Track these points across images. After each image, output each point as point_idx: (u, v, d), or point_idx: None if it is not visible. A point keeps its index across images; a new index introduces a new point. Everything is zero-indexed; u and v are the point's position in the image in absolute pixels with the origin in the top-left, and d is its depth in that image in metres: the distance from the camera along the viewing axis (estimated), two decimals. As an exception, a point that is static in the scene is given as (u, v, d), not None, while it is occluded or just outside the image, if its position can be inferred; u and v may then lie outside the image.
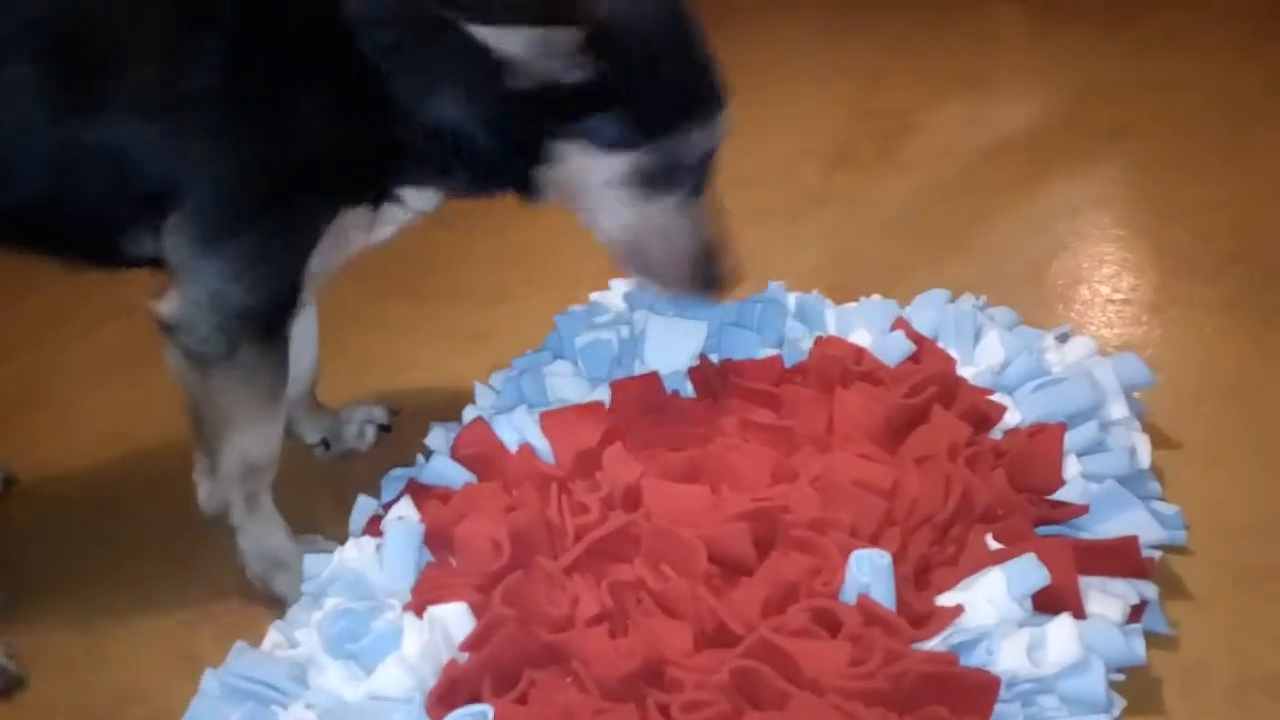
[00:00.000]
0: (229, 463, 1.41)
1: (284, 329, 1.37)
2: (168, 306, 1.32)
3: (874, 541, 1.24)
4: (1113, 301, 1.79)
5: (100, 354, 2.07)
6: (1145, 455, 1.40)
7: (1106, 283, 1.83)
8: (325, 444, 1.72)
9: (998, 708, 1.08)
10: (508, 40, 1.21)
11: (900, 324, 1.58)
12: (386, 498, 1.51)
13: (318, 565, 1.40)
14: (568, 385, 1.59)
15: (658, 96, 1.30)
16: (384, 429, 1.73)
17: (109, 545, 1.65)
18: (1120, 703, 1.15)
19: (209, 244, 1.30)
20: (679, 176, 1.35)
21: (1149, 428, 1.47)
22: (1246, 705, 1.18)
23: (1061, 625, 1.14)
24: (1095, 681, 1.12)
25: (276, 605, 1.44)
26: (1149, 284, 1.83)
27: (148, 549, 1.63)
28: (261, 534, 1.45)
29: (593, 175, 1.33)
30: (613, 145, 1.30)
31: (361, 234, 1.40)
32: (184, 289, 1.32)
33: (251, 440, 1.40)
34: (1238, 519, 1.38)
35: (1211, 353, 1.66)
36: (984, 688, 1.07)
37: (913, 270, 1.88)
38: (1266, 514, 1.38)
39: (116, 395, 1.95)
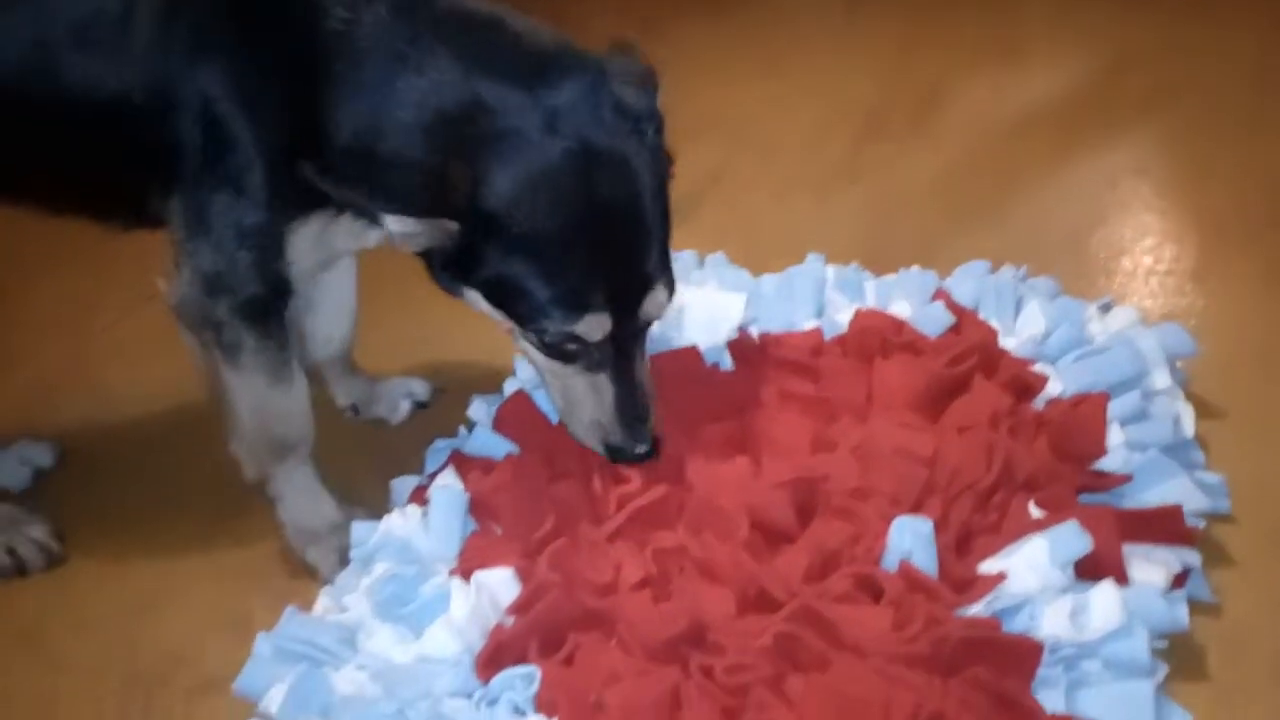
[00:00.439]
0: (255, 438, 1.43)
1: (278, 314, 1.37)
2: (169, 288, 1.35)
3: (915, 509, 1.25)
4: (1155, 273, 1.78)
5: (139, 335, 2.09)
6: (1189, 424, 1.40)
7: (1148, 253, 1.82)
8: (355, 409, 1.73)
9: (1040, 672, 1.09)
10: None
11: (940, 295, 1.58)
12: (431, 468, 1.54)
13: (365, 532, 1.42)
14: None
15: (523, 287, 1.24)
16: (421, 405, 1.74)
17: (158, 515, 1.68)
18: (1163, 669, 1.16)
19: (197, 226, 1.31)
20: (573, 351, 1.29)
21: (1192, 397, 1.47)
22: (1292, 675, 1.18)
23: (1104, 591, 1.15)
24: (1138, 647, 1.12)
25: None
26: (1190, 254, 1.82)
27: (196, 518, 1.66)
28: (296, 506, 1.47)
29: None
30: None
31: (349, 239, 1.37)
32: (181, 270, 1.34)
33: (268, 418, 1.42)
34: (1280, 486, 1.38)
35: (1253, 322, 1.66)
36: (1027, 652, 1.08)
37: (949, 242, 1.87)
38: (1311, 482, 1.38)
39: (157, 372, 1.97)
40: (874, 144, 2.26)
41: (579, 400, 1.34)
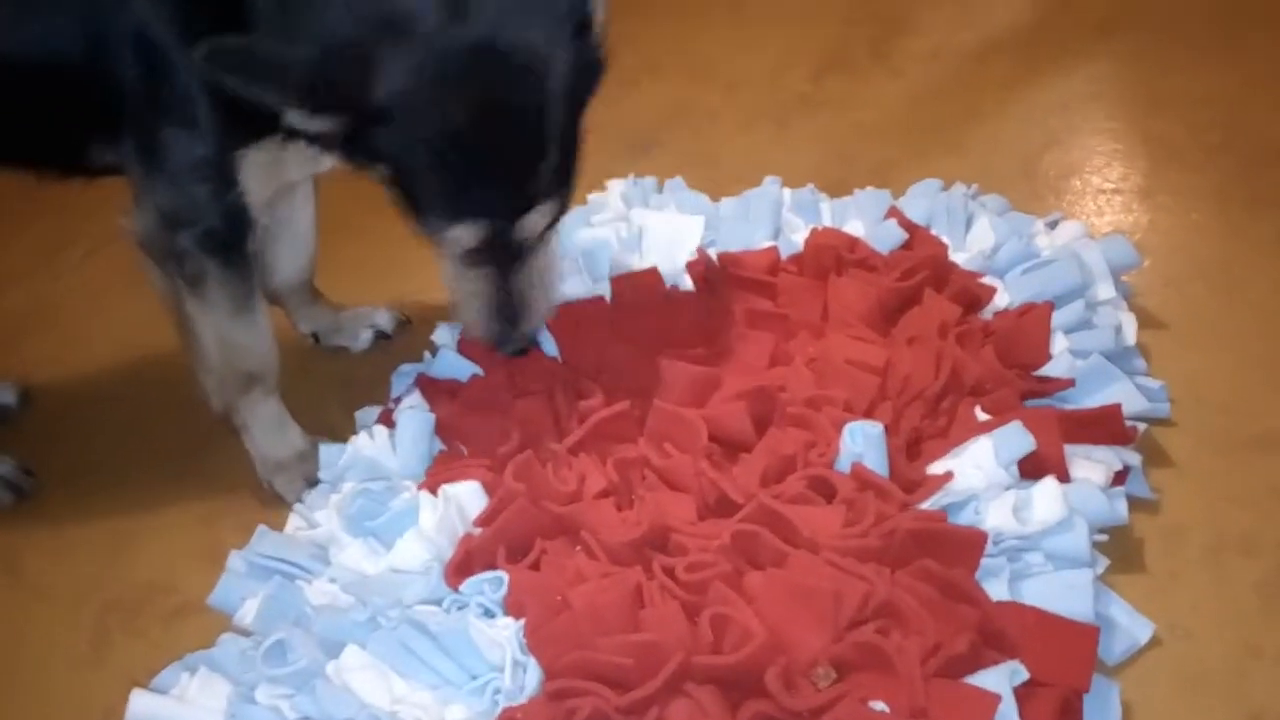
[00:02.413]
0: (220, 370, 1.45)
1: (241, 246, 1.36)
2: (130, 223, 1.35)
3: (868, 416, 1.29)
4: (1103, 191, 1.82)
5: (105, 273, 2.09)
6: (1131, 333, 1.45)
7: (1096, 173, 1.86)
8: (315, 337, 1.75)
9: (985, 562, 1.14)
10: (274, 105, 1.15)
11: (893, 213, 1.61)
12: (396, 392, 1.56)
13: (333, 454, 1.45)
14: (569, 282, 1.63)
15: (405, 185, 1.20)
16: (383, 335, 1.75)
17: (129, 451, 1.70)
18: (1103, 561, 1.21)
19: (150, 163, 1.30)
20: (459, 250, 1.26)
21: (1135, 309, 1.52)
22: (1222, 562, 1.24)
23: (1046, 487, 1.20)
24: (1079, 539, 1.18)
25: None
26: (1138, 174, 1.86)
27: (166, 450, 1.68)
28: (263, 436, 1.50)
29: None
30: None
31: (301, 165, 1.36)
32: (140, 207, 1.34)
33: (232, 350, 1.42)
34: (1218, 394, 1.43)
35: (1198, 239, 1.70)
36: (971, 542, 1.13)
37: (905, 168, 1.90)
38: (1245, 389, 1.43)
39: (125, 309, 1.98)
40: (835, 76, 2.28)
41: (465, 295, 1.34)
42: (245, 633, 1.27)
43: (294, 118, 1.15)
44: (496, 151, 1.16)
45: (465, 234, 1.21)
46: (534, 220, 1.22)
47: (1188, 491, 1.32)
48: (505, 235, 1.23)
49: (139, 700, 1.17)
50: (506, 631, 1.16)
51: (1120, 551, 1.24)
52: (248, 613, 1.27)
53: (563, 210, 1.26)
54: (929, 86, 2.20)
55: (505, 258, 1.27)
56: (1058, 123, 2.02)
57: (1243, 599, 1.21)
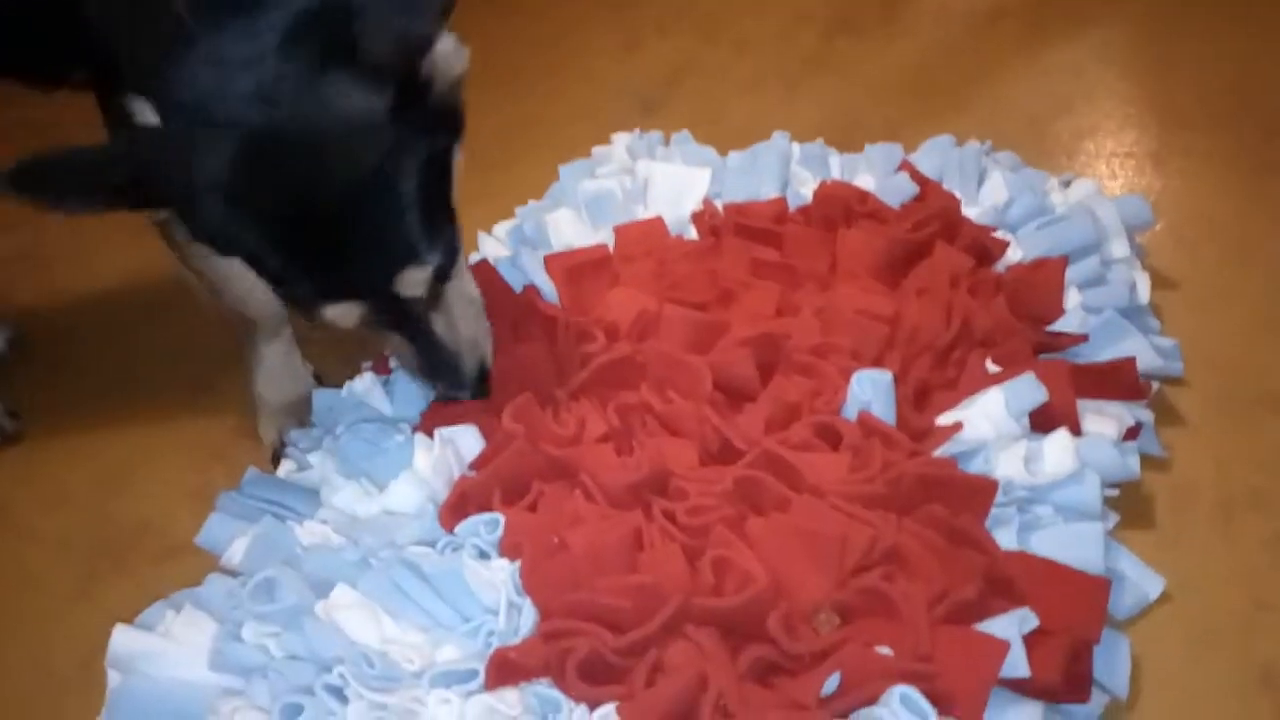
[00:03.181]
0: (222, 310, 1.42)
1: None
2: None
3: (875, 364, 1.26)
4: (1116, 155, 1.79)
5: (96, 221, 2.06)
6: (1145, 292, 1.42)
7: (1109, 136, 1.83)
8: None
9: (994, 511, 1.12)
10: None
11: (905, 167, 1.58)
12: (393, 338, 1.53)
13: (328, 398, 1.42)
14: (572, 231, 1.60)
15: (267, 272, 1.12)
16: None
17: (120, 394, 1.68)
18: (1113, 517, 1.19)
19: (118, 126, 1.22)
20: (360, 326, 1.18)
21: (1149, 269, 1.49)
22: (1232, 520, 1.22)
23: (1058, 438, 1.17)
24: (1090, 492, 1.15)
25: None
26: (1151, 138, 1.83)
27: (158, 395, 1.66)
28: (260, 379, 1.47)
29: None
30: None
31: None
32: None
33: (224, 293, 1.39)
34: (1230, 355, 1.41)
35: (1211, 203, 1.67)
36: (981, 489, 1.11)
37: (915, 127, 1.87)
38: (1257, 350, 1.41)
39: (116, 256, 1.95)
40: (844, 37, 2.25)
41: (395, 350, 1.28)
42: (233, 573, 1.24)
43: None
44: (329, 229, 1.05)
45: (339, 314, 1.13)
46: (409, 283, 1.12)
47: (1198, 450, 1.30)
48: (387, 305, 1.14)
49: (121, 636, 1.14)
50: (502, 573, 1.13)
51: (1130, 508, 1.22)
52: (236, 552, 1.24)
53: (447, 264, 1.15)
54: (939, 48, 2.17)
55: (406, 320, 1.19)
56: (1069, 86, 1.99)
57: (1253, 556, 1.18)
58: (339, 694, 1.05)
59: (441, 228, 1.13)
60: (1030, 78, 2.04)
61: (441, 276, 1.16)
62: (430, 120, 1.07)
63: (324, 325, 1.16)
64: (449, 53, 1.07)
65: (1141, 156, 1.78)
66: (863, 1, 2.33)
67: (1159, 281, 1.49)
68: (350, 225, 1.06)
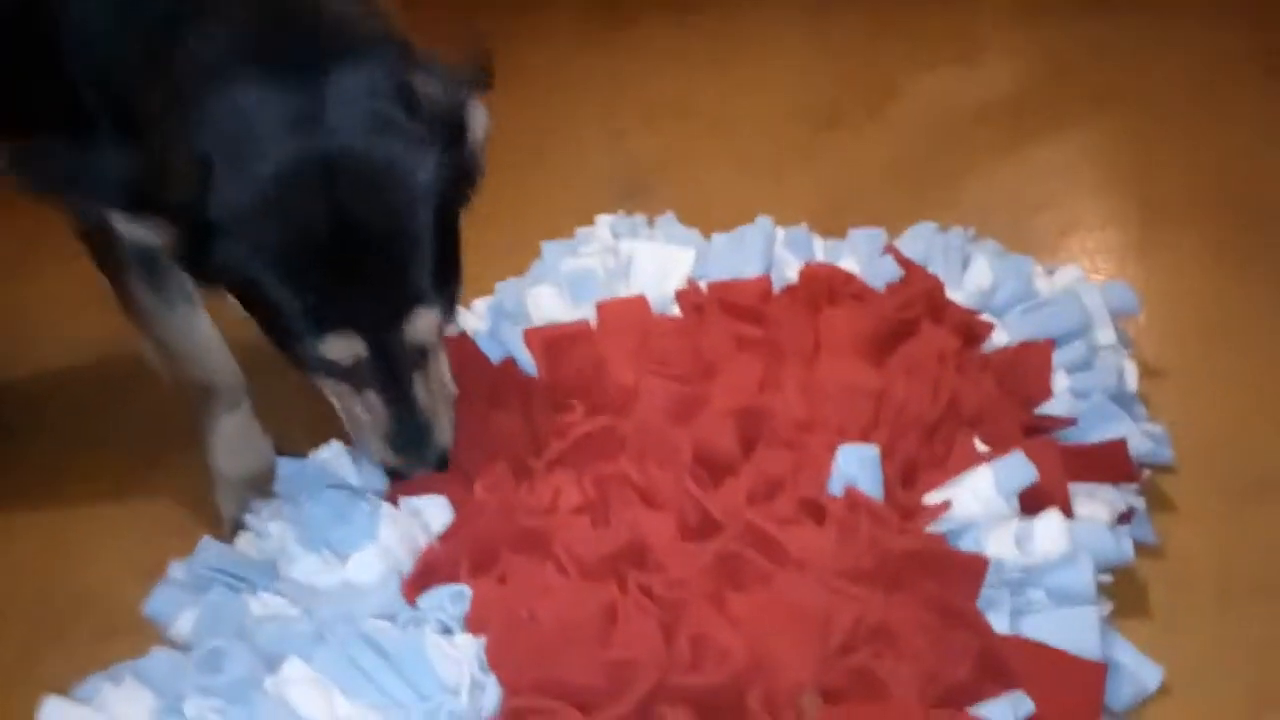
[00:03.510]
0: (173, 377, 1.39)
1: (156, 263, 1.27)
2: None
3: (861, 440, 1.22)
4: (1101, 250, 1.79)
5: (60, 288, 2.03)
6: (1133, 380, 1.40)
7: (1093, 231, 1.84)
8: None
9: (986, 592, 1.06)
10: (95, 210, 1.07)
11: (889, 251, 1.57)
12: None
13: (291, 466, 1.37)
14: (552, 307, 1.57)
15: (259, 301, 1.10)
16: None
17: (75, 459, 1.63)
18: (1107, 604, 1.14)
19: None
20: (339, 369, 1.16)
21: (1135, 358, 1.47)
22: (1233, 609, 1.17)
23: (1050, 518, 1.13)
24: (1083, 575, 1.10)
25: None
26: (1135, 233, 1.84)
27: (115, 464, 1.60)
28: (219, 453, 1.42)
29: None
30: None
31: None
32: None
33: (172, 359, 1.36)
34: (1222, 441, 1.38)
35: (1195, 295, 1.67)
36: (972, 567, 1.06)
37: (900, 219, 1.86)
38: (1250, 436, 1.38)
39: (95, 321, 1.92)
40: (831, 131, 2.28)
41: (356, 418, 1.23)
42: (180, 647, 1.17)
43: (119, 223, 1.07)
44: (357, 261, 1.07)
45: (337, 348, 1.11)
46: (418, 326, 1.13)
47: (1194, 537, 1.25)
48: (384, 347, 1.14)
49: (52, 709, 1.06)
50: (466, 649, 1.07)
51: (1125, 595, 1.17)
52: (184, 624, 1.17)
53: (447, 317, 1.17)
54: (924, 143, 2.19)
55: (391, 376, 1.17)
56: (1052, 184, 2.01)
57: (1256, 647, 1.13)
58: (283, 774, 0.98)
59: (448, 278, 1.15)
60: (1014, 174, 2.07)
61: (443, 330, 1.19)
62: (458, 175, 1.12)
63: (309, 368, 1.14)
64: (479, 115, 1.14)
65: (1125, 250, 1.79)
66: (851, 97, 2.38)
67: (1146, 370, 1.47)
68: (373, 257, 1.07)
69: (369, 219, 1.06)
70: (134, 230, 1.07)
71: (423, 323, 1.13)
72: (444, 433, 1.24)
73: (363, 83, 1.06)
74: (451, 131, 1.10)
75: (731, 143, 2.30)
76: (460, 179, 1.13)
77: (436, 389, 1.23)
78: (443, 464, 1.25)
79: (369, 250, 1.07)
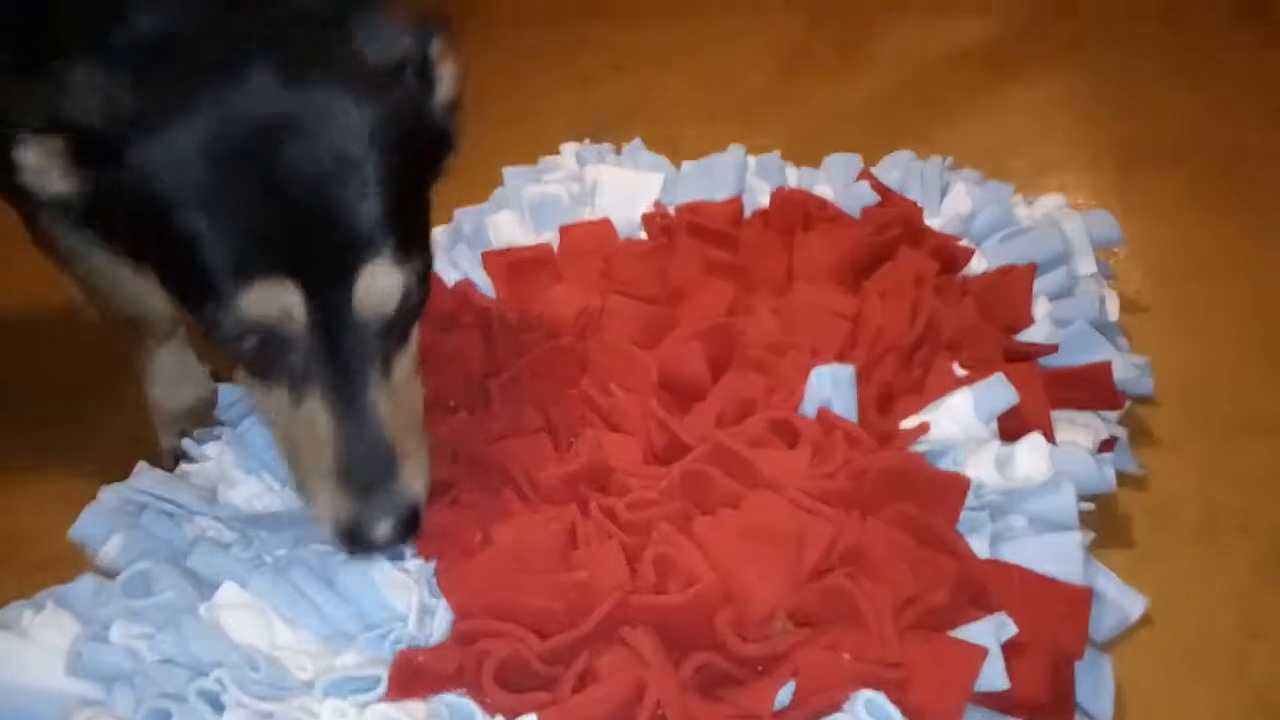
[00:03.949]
0: (103, 314, 1.30)
1: None
2: None
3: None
4: (1078, 189, 1.75)
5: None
6: (1114, 309, 1.36)
7: (1069, 173, 1.80)
8: None
9: (966, 514, 1.01)
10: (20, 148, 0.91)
11: (864, 177, 1.51)
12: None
13: (232, 393, 1.29)
14: (513, 232, 1.50)
15: (178, 251, 0.89)
16: None
17: (10, 398, 1.54)
18: (1088, 535, 1.09)
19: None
20: (269, 355, 0.92)
21: (1115, 291, 1.43)
22: (1215, 539, 1.13)
23: (1031, 442, 1.08)
24: (1065, 501, 1.05)
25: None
26: (1110, 178, 1.80)
27: (49, 397, 1.53)
28: (156, 386, 1.35)
29: None
30: None
31: None
32: None
33: (98, 297, 1.27)
34: (1201, 378, 1.34)
35: (1170, 234, 1.64)
36: (952, 487, 1.00)
37: (873, 158, 1.82)
38: (1229, 373, 1.35)
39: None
40: (802, 75, 2.23)
41: (294, 444, 0.96)
42: (110, 575, 1.09)
43: (29, 173, 0.91)
44: (290, 185, 0.87)
45: (265, 301, 0.87)
46: (368, 289, 0.89)
47: (1175, 470, 1.21)
48: (329, 315, 0.89)
49: (-34, 635, 0.98)
50: (416, 574, 1.00)
51: (1107, 525, 1.12)
52: (112, 549, 1.09)
53: (415, 298, 0.94)
54: (897, 86, 2.15)
55: (338, 368, 0.91)
56: (1027, 126, 1.97)
57: (1239, 577, 1.09)
58: (215, 701, 0.90)
59: (409, 244, 0.92)
60: (988, 117, 2.02)
61: (410, 313, 0.95)
62: (421, 129, 0.96)
63: (228, 339, 0.91)
64: (447, 71, 0.99)
65: (1102, 191, 1.75)
66: (819, 42, 2.32)
67: (1126, 305, 1.42)
68: (313, 187, 0.87)
69: (309, 140, 0.87)
70: (41, 177, 0.91)
71: (379, 284, 0.89)
72: (414, 472, 0.95)
73: (313, 13, 0.93)
74: (414, 79, 0.96)
75: (700, 86, 2.23)
76: (425, 132, 0.97)
77: (404, 408, 0.96)
78: (412, 520, 0.95)
79: (308, 177, 0.87)
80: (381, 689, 0.90)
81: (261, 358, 0.92)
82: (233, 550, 1.04)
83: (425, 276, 0.96)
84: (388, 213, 0.89)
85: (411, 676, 0.90)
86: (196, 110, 0.87)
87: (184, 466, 1.24)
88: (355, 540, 0.94)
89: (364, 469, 0.92)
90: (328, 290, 0.88)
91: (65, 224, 1.16)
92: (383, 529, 0.93)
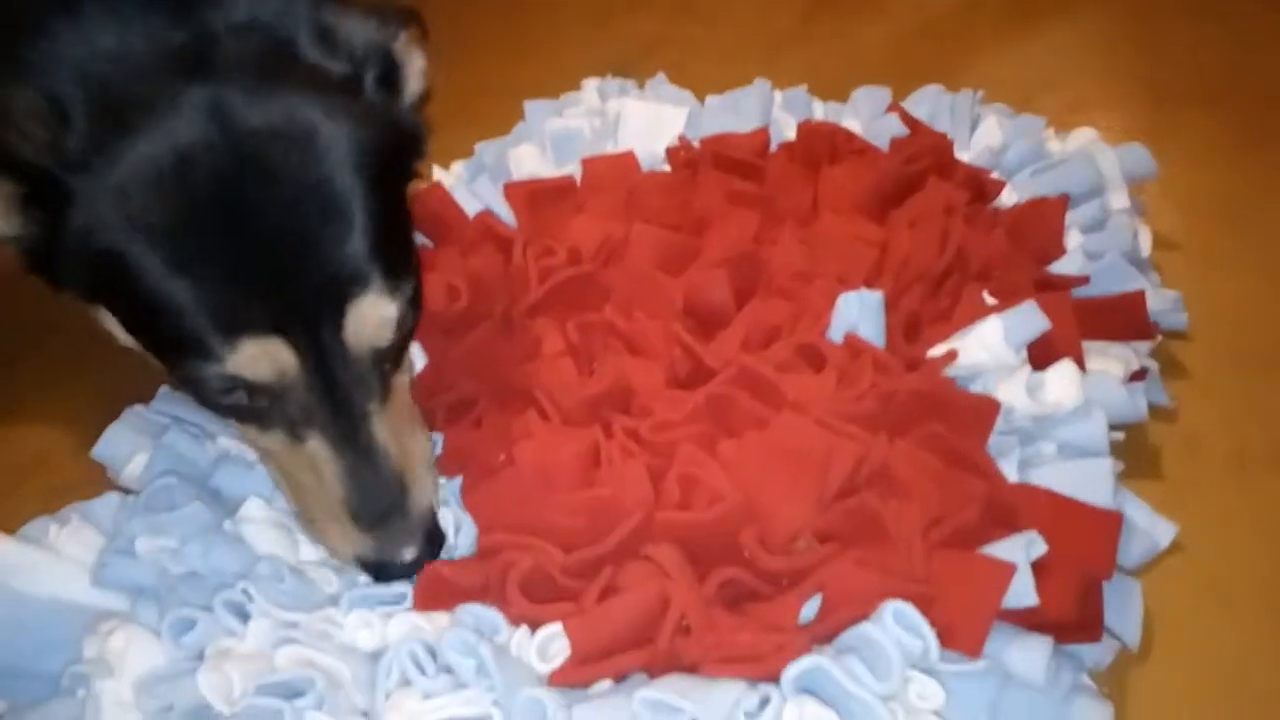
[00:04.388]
0: None
1: None
2: None
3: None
4: (1110, 129, 1.71)
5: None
6: (1146, 244, 1.33)
7: (1100, 112, 1.76)
8: None
9: (996, 438, 1.00)
10: None
11: (893, 109, 1.49)
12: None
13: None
14: (535, 165, 1.48)
15: (145, 307, 0.81)
16: None
17: (42, 339, 1.53)
18: (1118, 465, 1.08)
19: None
20: (261, 406, 0.87)
21: (1149, 227, 1.41)
22: (1247, 472, 1.12)
23: (1062, 368, 1.06)
24: (1096, 428, 1.04)
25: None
26: (1143, 114, 1.76)
27: (81, 340, 1.52)
28: None
29: None
30: None
31: None
32: None
33: None
34: (1233, 315, 1.32)
35: (1204, 173, 1.60)
36: (982, 410, 0.99)
37: (899, 99, 1.80)
38: (1262, 311, 1.33)
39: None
40: (822, 17, 2.19)
41: (301, 490, 0.92)
42: (132, 493, 1.09)
43: None
44: (263, 227, 0.79)
45: (254, 360, 0.81)
46: (360, 323, 0.84)
47: (1207, 403, 1.20)
48: (322, 360, 0.84)
49: (-8, 547, 0.98)
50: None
51: (1137, 456, 1.11)
52: (135, 468, 1.09)
53: (408, 316, 0.88)
54: (921, 27, 2.10)
55: (337, 407, 0.86)
56: (1055, 65, 1.92)
57: (1269, 511, 1.08)
58: (240, 611, 0.90)
59: (398, 265, 0.85)
60: (1016, 57, 1.98)
61: (406, 337, 0.91)
62: (393, 133, 0.88)
63: (217, 401, 0.85)
64: (416, 62, 0.91)
65: (1133, 130, 1.71)
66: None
67: (1158, 242, 1.40)
68: (289, 225, 0.79)
69: (277, 174, 0.79)
70: None
71: (372, 318, 0.83)
72: (424, 489, 0.93)
73: (264, 12, 0.83)
74: (381, 77, 0.87)
75: (719, 27, 2.19)
76: (397, 139, 0.88)
77: (405, 425, 0.93)
78: (434, 537, 0.93)
79: (279, 215, 0.79)
80: (408, 604, 0.90)
81: (251, 408, 0.87)
82: (256, 469, 1.04)
83: (417, 297, 0.90)
84: (370, 240, 0.82)
85: (437, 588, 0.90)
86: (150, 143, 0.78)
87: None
88: (382, 573, 0.92)
89: (376, 502, 0.89)
90: (319, 334, 0.82)
91: None
92: (408, 555, 0.91)
